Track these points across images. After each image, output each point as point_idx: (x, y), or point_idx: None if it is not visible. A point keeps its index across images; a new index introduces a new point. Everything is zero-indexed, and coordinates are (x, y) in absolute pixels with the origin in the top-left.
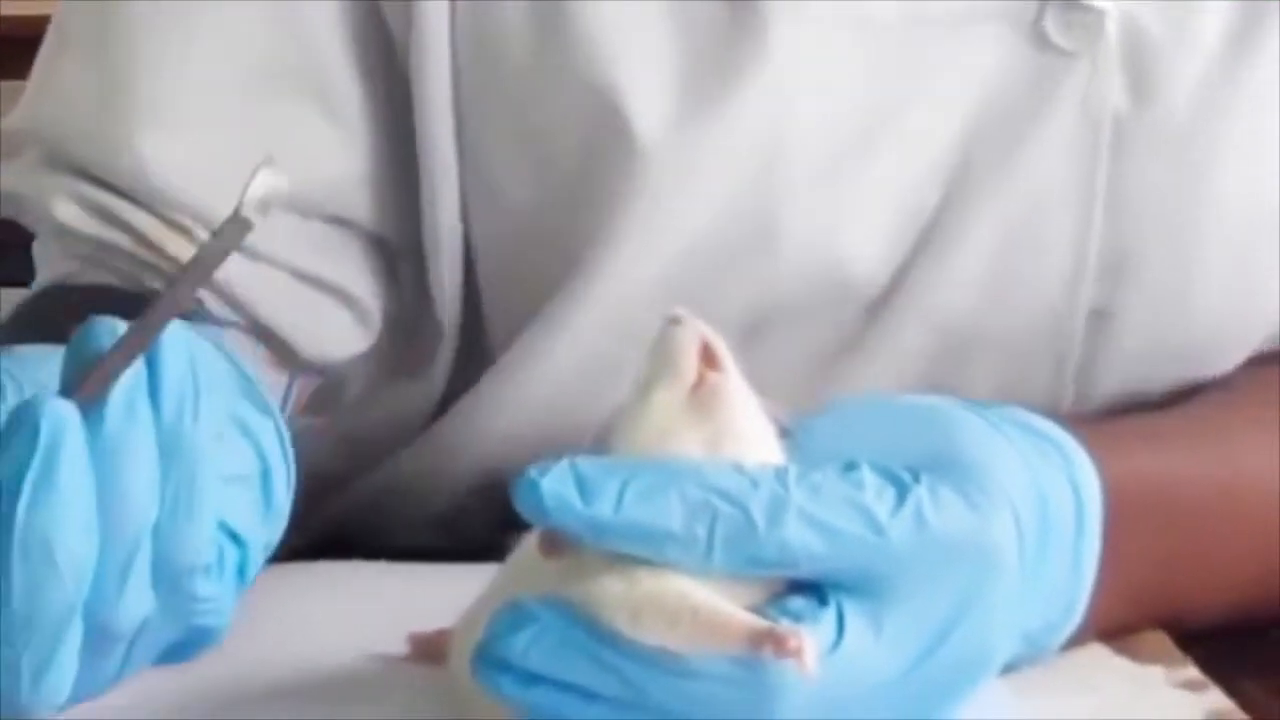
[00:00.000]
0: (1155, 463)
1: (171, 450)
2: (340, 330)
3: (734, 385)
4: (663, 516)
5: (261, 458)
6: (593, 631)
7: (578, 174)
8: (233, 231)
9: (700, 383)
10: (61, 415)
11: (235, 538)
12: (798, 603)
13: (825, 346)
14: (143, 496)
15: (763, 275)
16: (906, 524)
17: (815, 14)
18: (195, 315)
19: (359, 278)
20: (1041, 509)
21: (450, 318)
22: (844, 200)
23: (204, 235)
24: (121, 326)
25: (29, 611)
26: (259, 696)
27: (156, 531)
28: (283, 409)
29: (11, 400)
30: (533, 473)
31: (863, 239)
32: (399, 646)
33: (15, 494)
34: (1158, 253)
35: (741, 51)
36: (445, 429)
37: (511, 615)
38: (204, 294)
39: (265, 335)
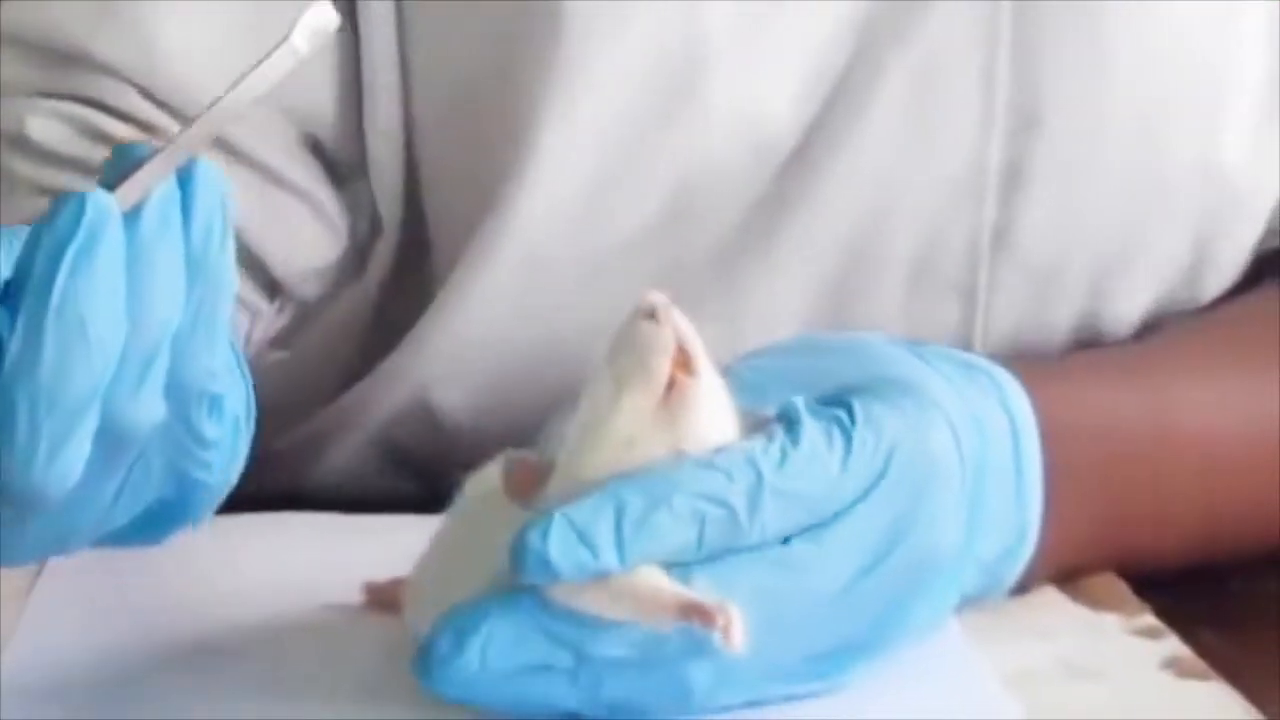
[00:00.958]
0: (1089, 394)
1: (198, 269)
2: (310, 239)
3: (704, 388)
4: (662, 541)
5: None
6: (545, 609)
7: (508, 42)
8: (280, 59)
9: (671, 385)
10: (105, 204)
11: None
12: None
13: (751, 208)
14: (169, 302)
15: (688, 137)
16: (859, 466)
17: None
18: None
19: (325, 187)
20: (977, 429)
21: (390, 213)
22: (761, 58)
23: None
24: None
25: (54, 384)
26: (214, 648)
27: (174, 343)
28: (245, 346)
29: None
30: (534, 540)
31: (779, 95)
32: (354, 596)
33: (55, 264)
34: (1063, 104)
35: None
36: (395, 358)
37: (454, 632)
38: None
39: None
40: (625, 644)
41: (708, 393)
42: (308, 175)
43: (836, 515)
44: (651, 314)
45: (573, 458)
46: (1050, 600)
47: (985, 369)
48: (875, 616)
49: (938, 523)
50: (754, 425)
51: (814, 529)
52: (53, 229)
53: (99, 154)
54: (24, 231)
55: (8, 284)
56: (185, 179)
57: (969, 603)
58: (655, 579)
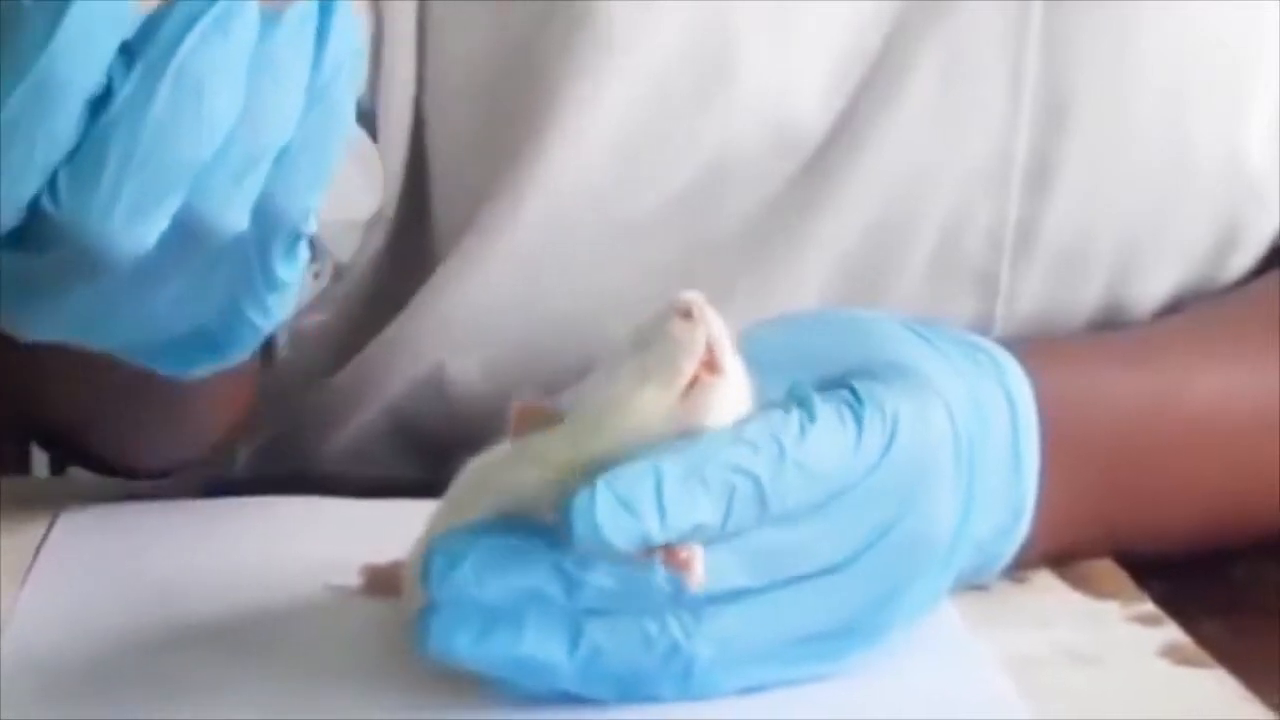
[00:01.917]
0: (1093, 375)
1: (318, 99)
2: (353, 187)
3: (725, 386)
4: (696, 512)
5: None
6: (535, 533)
7: (535, 22)
8: None
9: (693, 382)
10: None
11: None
12: None
13: (777, 195)
14: (283, 116)
15: (716, 121)
16: (869, 447)
17: None
18: None
19: (365, 135)
20: (975, 407)
21: (391, 184)
22: (792, 45)
23: None
24: None
25: (154, 141)
26: (211, 631)
27: (276, 166)
28: None
29: None
30: (583, 505)
31: (808, 84)
32: (352, 579)
33: (186, 27)
34: (1091, 100)
35: None
36: (395, 330)
37: (447, 552)
38: None
39: None
40: (611, 574)
41: (726, 391)
42: None
43: (839, 493)
44: (687, 313)
45: (582, 426)
46: (1049, 587)
47: (986, 348)
48: (872, 598)
49: (933, 505)
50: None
51: (818, 506)
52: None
53: None
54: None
55: (129, 42)
56: (326, 9)
57: (963, 581)
58: None
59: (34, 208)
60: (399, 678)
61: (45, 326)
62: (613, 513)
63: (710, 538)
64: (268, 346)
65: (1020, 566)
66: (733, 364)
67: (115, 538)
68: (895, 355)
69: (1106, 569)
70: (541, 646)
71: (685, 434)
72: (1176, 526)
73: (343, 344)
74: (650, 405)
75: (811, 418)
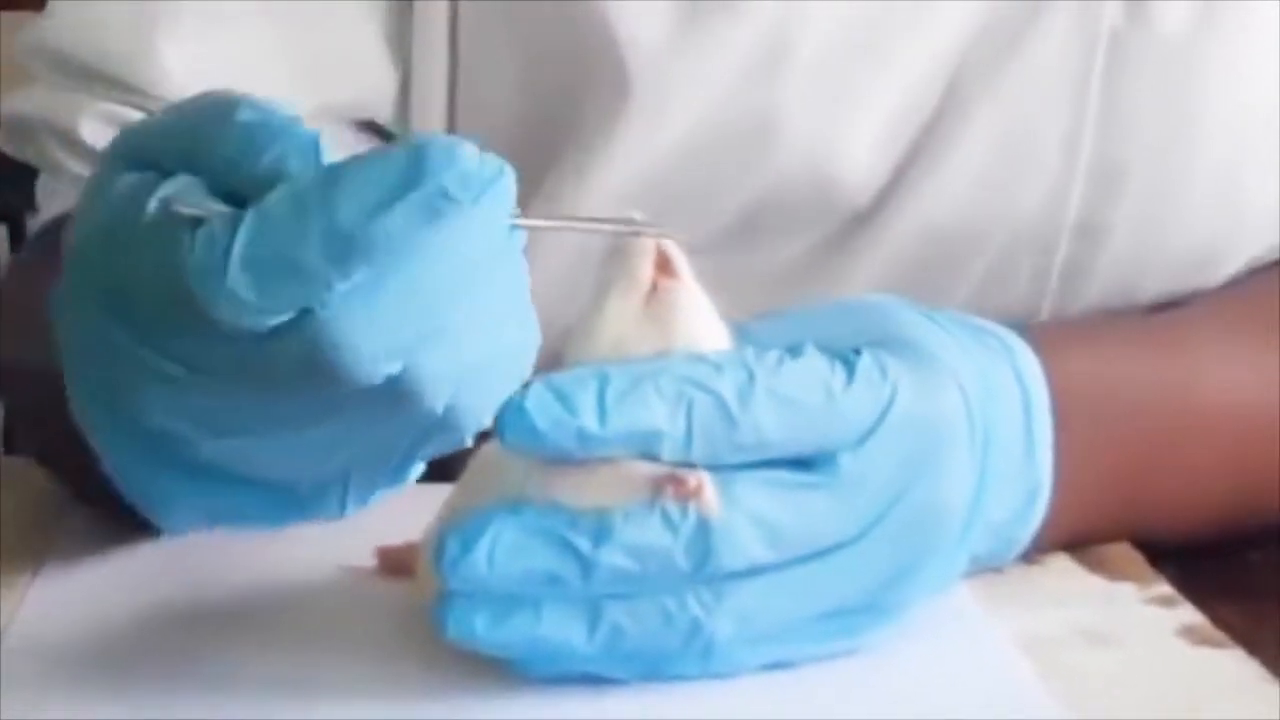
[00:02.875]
0: (1104, 359)
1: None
2: None
3: (687, 291)
4: (646, 416)
5: None
6: (549, 515)
7: (566, 88)
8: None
9: (654, 290)
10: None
11: None
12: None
13: (813, 251)
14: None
15: (756, 178)
16: (860, 391)
17: None
18: None
19: None
20: (987, 391)
21: None
22: (842, 106)
23: None
24: None
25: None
26: (225, 613)
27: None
28: None
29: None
30: (513, 396)
31: (858, 145)
32: (366, 561)
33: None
34: (1147, 168)
35: None
36: None
37: (460, 537)
38: None
39: None
40: (626, 552)
41: (690, 295)
42: None
43: (844, 448)
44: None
45: (564, 364)
46: (1064, 569)
47: (996, 333)
48: (889, 573)
49: (947, 480)
50: None
51: (823, 459)
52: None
53: None
54: None
55: None
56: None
57: (980, 567)
58: (632, 462)
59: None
60: (414, 659)
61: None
62: (545, 405)
63: (677, 453)
64: None
65: (1035, 552)
66: (687, 271)
67: (123, 520)
68: (908, 335)
69: (1122, 552)
70: (560, 628)
71: (666, 340)
72: (1189, 512)
73: None
74: (617, 315)
75: (795, 355)
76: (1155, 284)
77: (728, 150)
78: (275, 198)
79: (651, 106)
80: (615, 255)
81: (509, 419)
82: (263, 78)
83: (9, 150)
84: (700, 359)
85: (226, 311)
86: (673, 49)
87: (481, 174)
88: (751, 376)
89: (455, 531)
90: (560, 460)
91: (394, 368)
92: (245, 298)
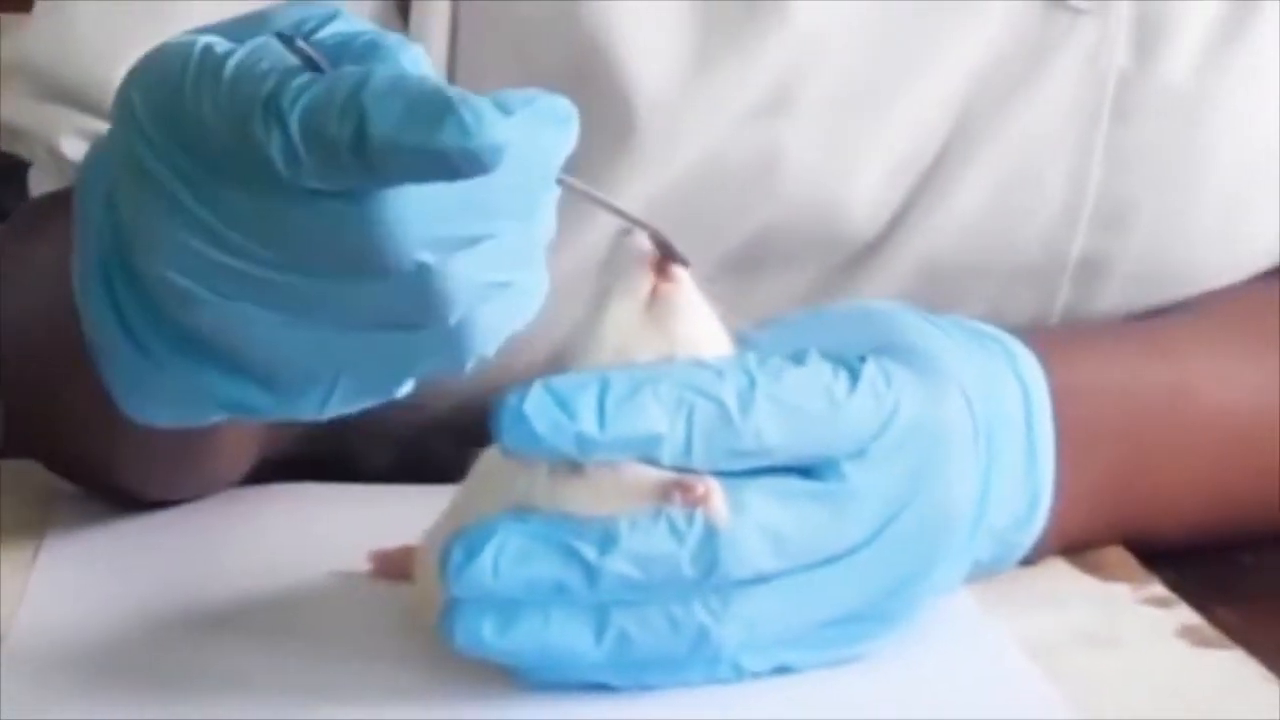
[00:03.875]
0: (1104, 365)
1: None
2: None
3: (687, 294)
4: (645, 421)
5: None
6: (553, 524)
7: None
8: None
9: (654, 294)
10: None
11: None
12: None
13: (815, 285)
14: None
15: (759, 214)
16: (864, 398)
17: None
18: None
19: None
20: (990, 395)
21: None
22: (847, 147)
23: None
24: None
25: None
26: (220, 617)
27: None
28: None
29: None
30: (512, 400)
31: (862, 184)
32: (361, 565)
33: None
34: (1152, 208)
35: (760, 16)
36: None
37: (465, 545)
38: None
39: None
40: (631, 560)
41: (691, 299)
42: None
43: (848, 455)
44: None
45: (566, 369)
46: (1059, 571)
47: (998, 338)
48: (896, 579)
49: (952, 486)
50: None
51: (828, 467)
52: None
53: None
54: None
55: None
56: None
57: (980, 572)
58: (638, 469)
59: None
60: (410, 661)
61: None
62: (545, 409)
63: (677, 458)
64: None
65: (1034, 556)
66: (686, 276)
67: (119, 525)
68: (912, 341)
69: (1114, 553)
70: (567, 635)
71: (669, 345)
72: (1185, 515)
73: None
74: (617, 321)
75: (798, 362)
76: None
77: (731, 187)
78: (350, 74)
79: (656, 146)
80: (616, 260)
81: (508, 422)
82: None
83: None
84: (702, 364)
85: (283, 165)
86: (680, 90)
87: (557, 106)
88: (753, 382)
89: (460, 538)
90: (561, 464)
91: (428, 258)
92: (303, 158)
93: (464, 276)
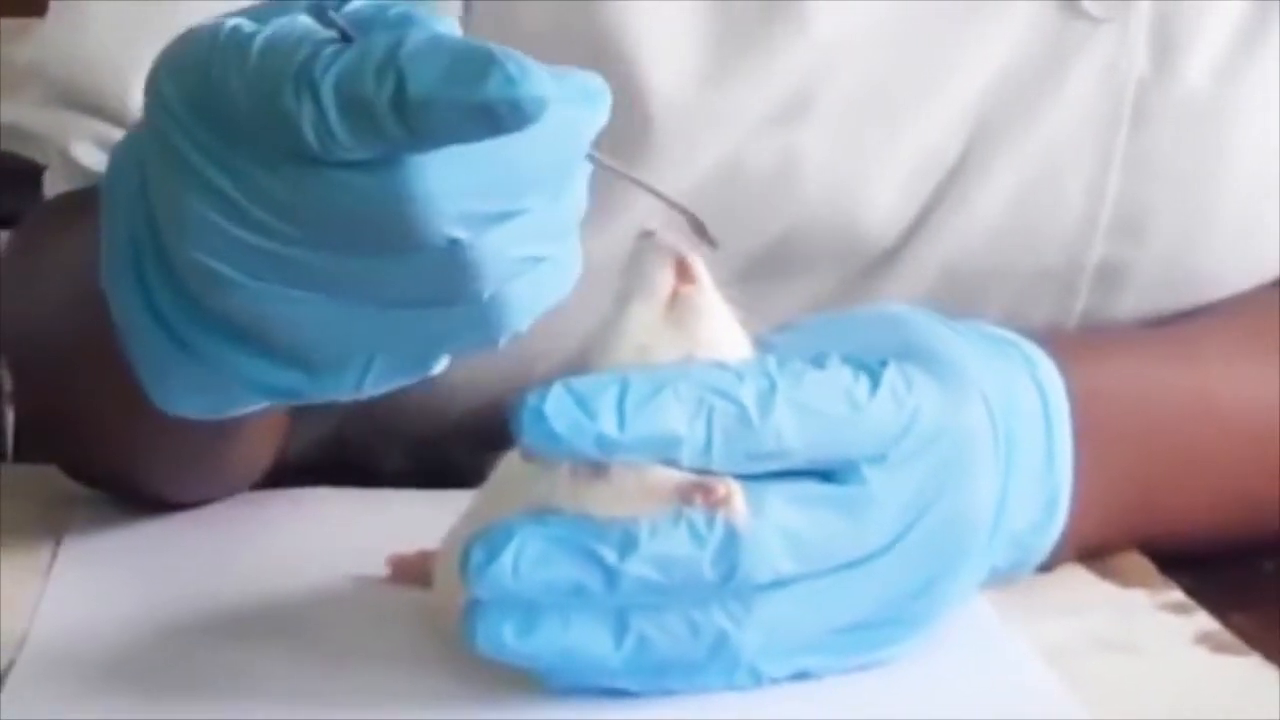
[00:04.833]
0: (1122, 370)
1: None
2: None
3: (707, 297)
4: (665, 421)
5: None
6: (573, 525)
7: None
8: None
9: (674, 296)
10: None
11: None
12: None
13: (833, 290)
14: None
15: (777, 220)
16: (885, 402)
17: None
18: None
19: None
20: (1009, 400)
21: None
22: (865, 153)
23: None
24: None
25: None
26: (236, 622)
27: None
28: None
29: None
30: (533, 400)
31: (881, 191)
32: (378, 570)
33: None
34: (1170, 215)
35: (778, 25)
36: None
37: (486, 546)
38: None
39: None
40: (652, 563)
41: (711, 301)
42: None
43: (869, 459)
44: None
45: (587, 370)
46: (1076, 577)
47: (1016, 343)
48: (915, 585)
49: (973, 492)
50: None
51: (850, 471)
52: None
53: None
54: None
55: None
56: None
57: (998, 579)
58: (659, 471)
59: None
60: (427, 667)
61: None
62: (565, 409)
63: (696, 460)
64: None
65: (1051, 562)
66: (707, 278)
67: (136, 530)
68: (931, 346)
69: (1132, 559)
70: (588, 638)
71: (690, 346)
72: (1203, 522)
73: None
74: (639, 323)
75: (819, 366)
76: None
77: (750, 193)
78: (385, 38)
79: (674, 152)
80: (634, 262)
81: (529, 423)
82: None
83: (12, 148)
84: (722, 366)
85: (314, 138)
86: (697, 97)
87: (589, 83)
88: (773, 385)
89: (481, 540)
90: (582, 466)
91: (461, 233)
92: (336, 127)
93: (496, 251)
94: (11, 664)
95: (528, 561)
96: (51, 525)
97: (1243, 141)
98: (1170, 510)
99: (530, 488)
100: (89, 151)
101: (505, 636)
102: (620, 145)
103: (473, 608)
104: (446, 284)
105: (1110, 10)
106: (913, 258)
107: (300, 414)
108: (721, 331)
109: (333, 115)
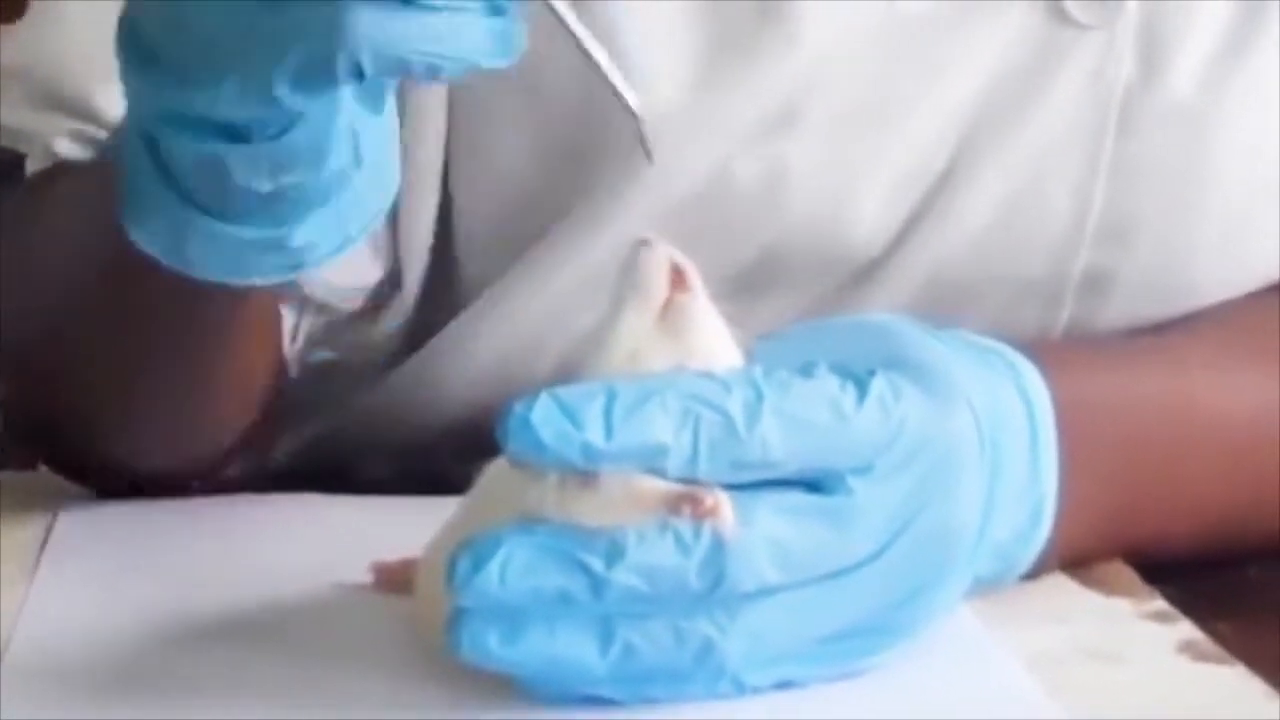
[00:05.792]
0: (1107, 379)
1: None
2: (358, 259)
3: (701, 306)
4: (651, 431)
5: None
6: (560, 535)
7: (575, 139)
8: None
9: (668, 304)
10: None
11: None
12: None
13: (818, 302)
14: None
15: (763, 232)
16: (872, 412)
17: (845, 11)
18: None
19: None
20: (994, 408)
21: (417, 264)
22: (852, 165)
23: None
24: None
25: None
26: (219, 629)
27: None
28: (292, 341)
29: None
30: (519, 409)
31: (867, 202)
32: (362, 577)
33: None
34: (1157, 222)
35: (768, 36)
36: (418, 365)
37: (472, 555)
38: None
39: None
40: (638, 572)
41: (705, 309)
42: None
43: (856, 469)
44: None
45: (579, 377)
46: (1060, 585)
47: (1001, 352)
48: (901, 594)
49: (959, 501)
50: None
51: (836, 481)
52: None
53: None
54: None
55: None
56: None
57: (982, 588)
58: (647, 480)
59: None
60: (410, 675)
61: None
62: (552, 418)
63: (682, 469)
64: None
65: (1035, 571)
66: (702, 288)
67: (120, 536)
68: (917, 355)
69: (1115, 568)
70: (573, 647)
71: (681, 354)
72: (1187, 530)
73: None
74: (631, 329)
75: (806, 376)
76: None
77: (738, 205)
78: None
79: (664, 164)
80: (628, 269)
81: (515, 431)
82: None
83: None
84: (709, 376)
85: None
86: (687, 109)
87: None
88: (760, 395)
89: (468, 548)
90: (570, 476)
91: None
92: None
93: None
94: None
95: (514, 570)
96: (37, 529)
97: (1229, 148)
98: (1155, 519)
99: (517, 496)
100: (72, 148)
101: (490, 644)
102: (613, 164)
103: (458, 615)
104: None
105: (1098, 17)
106: (898, 268)
107: (278, 424)
108: (714, 340)
109: None
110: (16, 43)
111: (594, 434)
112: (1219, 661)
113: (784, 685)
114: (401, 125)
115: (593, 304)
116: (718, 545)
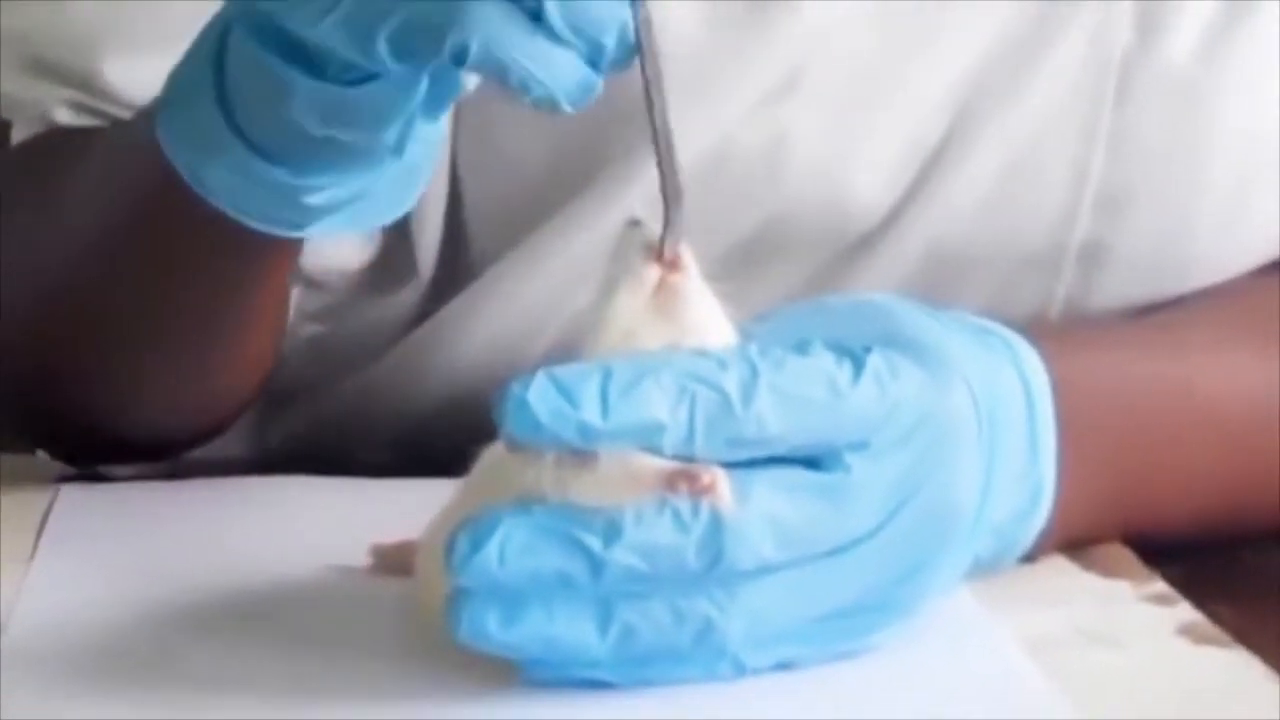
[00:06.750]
0: (1105, 360)
1: None
2: (346, 242)
3: (693, 285)
4: (648, 409)
5: None
6: (558, 515)
7: (582, 124)
8: None
9: (661, 284)
10: None
11: None
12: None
13: (819, 273)
14: None
15: (765, 201)
16: (868, 389)
17: None
18: None
19: None
20: (991, 388)
21: (429, 245)
22: (852, 132)
23: None
24: None
25: None
26: (219, 610)
27: None
28: None
29: None
30: (516, 389)
31: (867, 170)
32: (360, 559)
33: None
34: (1156, 190)
35: (770, 6)
36: (416, 344)
37: (471, 535)
38: None
39: None
40: (637, 551)
41: (697, 288)
42: None
43: (853, 446)
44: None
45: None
46: (1060, 568)
47: (999, 332)
48: (900, 571)
49: (957, 478)
50: None
51: (834, 458)
52: None
53: None
54: None
55: None
56: None
57: (981, 569)
58: (644, 459)
59: None
60: (409, 657)
61: None
62: (548, 398)
63: (679, 447)
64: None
65: (1034, 553)
66: (694, 267)
67: (118, 516)
68: (914, 334)
69: (1115, 550)
70: (572, 628)
71: (676, 333)
72: (1187, 512)
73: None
74: (625, 309)
75: (801, 353)
76: (1160, 303)
77: (739, 176)
78: None
79: None
80: (620, 250)
81: (512, 411)
82: None
83: None
84: (705, 354)
85: None
86: (690, 77)
87: None
88: (755, 372)
89: (466, 529)
90: (567, 456)
91: None
92: None
93: None
94: None
95: (513, 550)
96: (34, 513)
97: (1227, 119)
98: (1154, 501)
99: (514, 477)
100: (71, 116)
101: (489, 626)
102: (624, 140)
103: (456, 597)
104: None
105: None
106: (897, 239)
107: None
108: (708, 318)
109: None
110: (16, 9)
111: (590, 413)
112: (1219, 644)
113: (782, 666)
114: None
115: (587, 286)
116: (716, 523)
